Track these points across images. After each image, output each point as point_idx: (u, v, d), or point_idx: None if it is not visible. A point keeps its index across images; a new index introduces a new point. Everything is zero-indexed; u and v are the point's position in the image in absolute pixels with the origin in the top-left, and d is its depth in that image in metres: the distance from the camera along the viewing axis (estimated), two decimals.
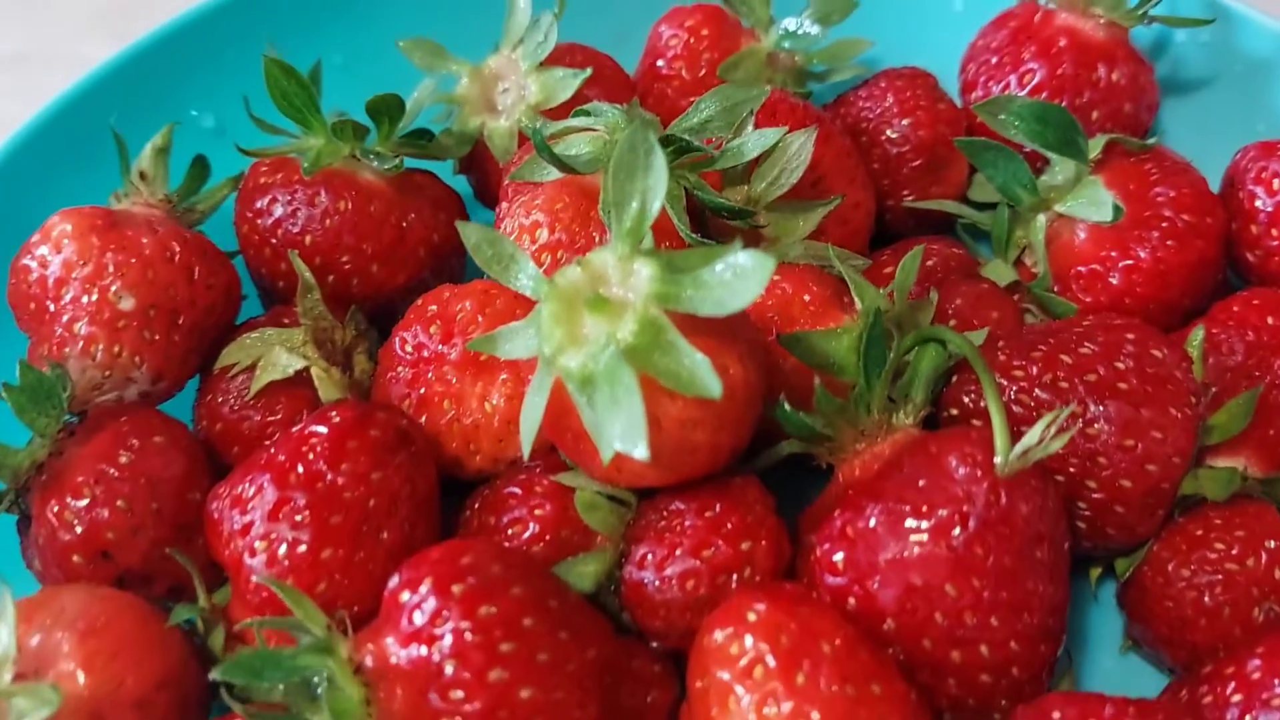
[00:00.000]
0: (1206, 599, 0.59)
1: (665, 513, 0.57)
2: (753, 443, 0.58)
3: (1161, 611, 0.61)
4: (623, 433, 0.50)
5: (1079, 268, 0.69)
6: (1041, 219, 0.70)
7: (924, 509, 0.53)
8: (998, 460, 0.53)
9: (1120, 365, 0.59)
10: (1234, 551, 0.60)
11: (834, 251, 0.64)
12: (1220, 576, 0.59)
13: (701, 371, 0.50)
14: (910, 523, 0.53)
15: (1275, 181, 0.68)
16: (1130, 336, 0.61)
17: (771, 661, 0.49)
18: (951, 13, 0.84)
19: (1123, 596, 0.63)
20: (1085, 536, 0.61)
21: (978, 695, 0.54)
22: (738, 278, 0.50)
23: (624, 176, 0.53)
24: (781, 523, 0.58)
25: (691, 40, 0.78)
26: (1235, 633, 0.58)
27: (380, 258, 0.69)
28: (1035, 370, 0.60)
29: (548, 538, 0.58)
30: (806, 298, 0.63)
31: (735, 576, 0.56)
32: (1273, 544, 0.59)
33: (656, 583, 0.56)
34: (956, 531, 0.52)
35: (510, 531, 0.58)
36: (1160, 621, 0.61)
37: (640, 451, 0.49)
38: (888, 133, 0.76)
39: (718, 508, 0.57)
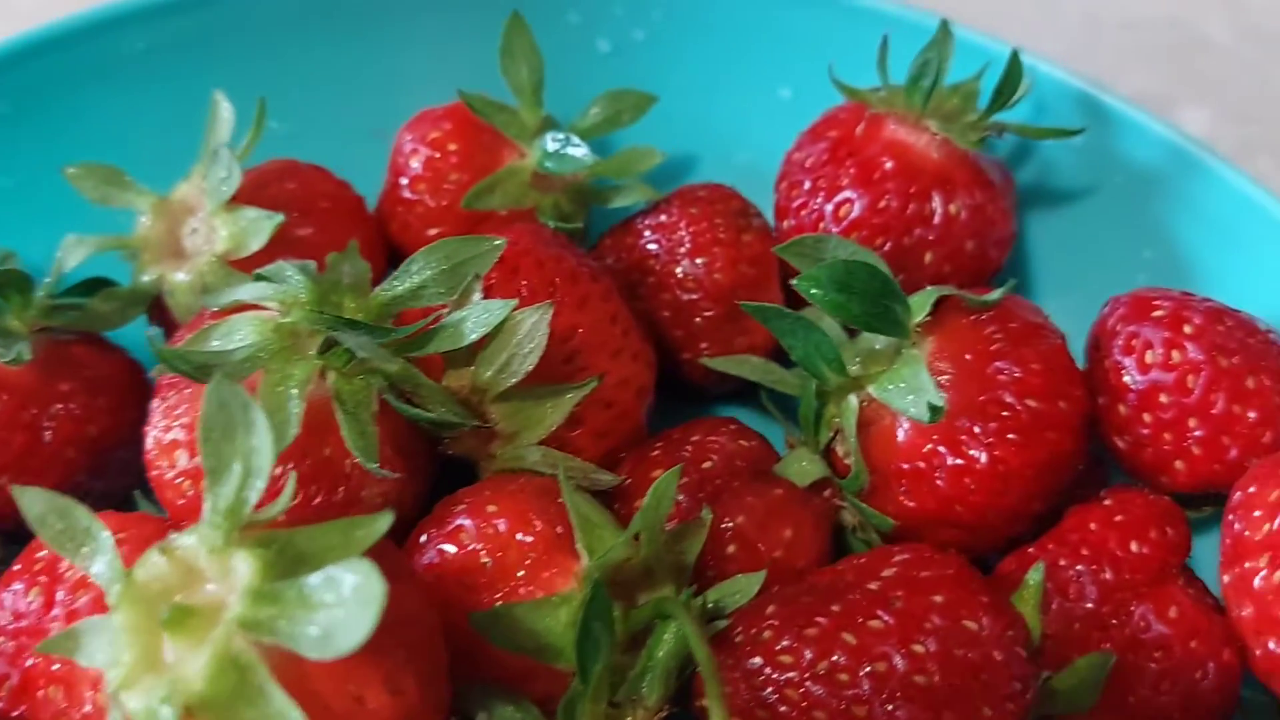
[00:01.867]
0: None
1: None
2: None
3: None
4: None
5: (902, 464, 0.54)
6: (853, 400, 0.55)
7: None
8: None
9: (920, 648, 0.45)
10: None
11: (564, 472, 0.48)
12: None
13: None
14: None
15: (1149, 353, 0.54)
16: (938, 599, 0.46)
17: None
18: (778, 101, 0.69)
19: None
20: None
21: None
22: (341, 604, 0.36)
23: (217, 438, 0.39)
24: None
25: (437, 156, 0.62)
26: None
27: (10, 467, 0.54)
28: (809, 655, 0.45)
29: None
30: (527, 538, 0.48)
31: None
32: None
33: None
34: None
35: None
36: None
37: None
38: (678, 273, 0.60)
39: None
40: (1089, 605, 0.50)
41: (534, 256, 0.55)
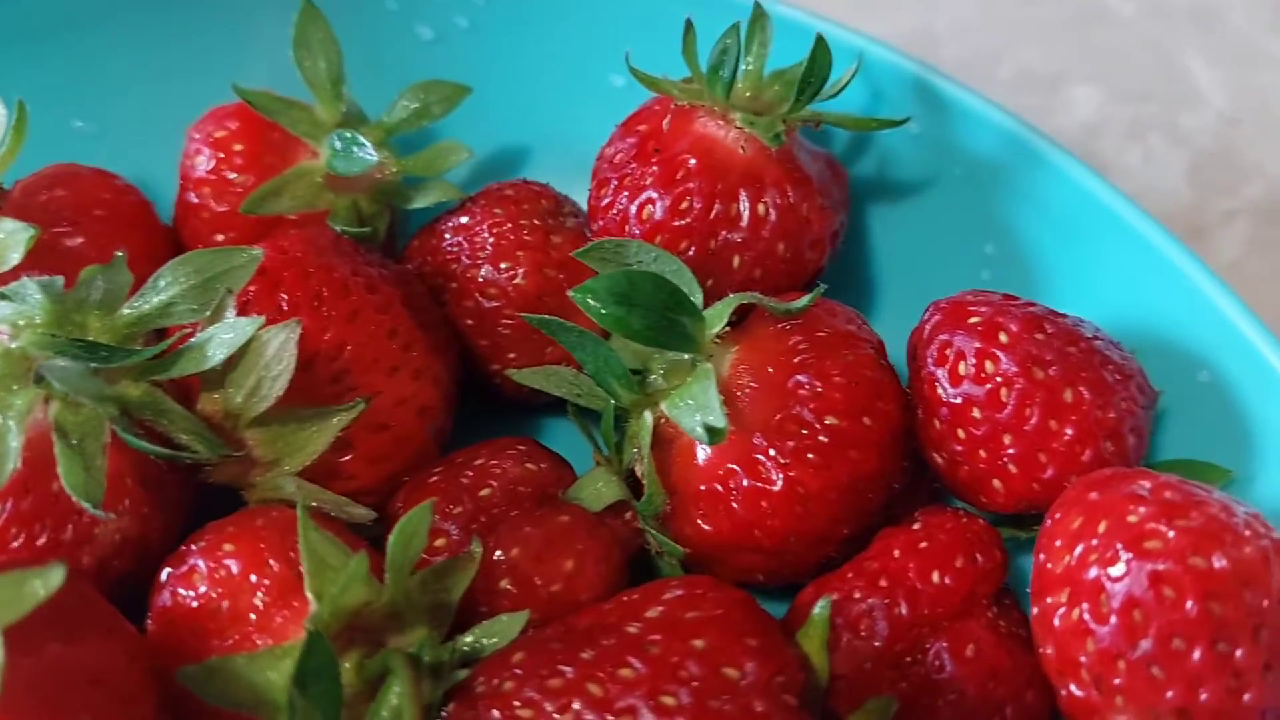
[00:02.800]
0: None
1: None
2: None
3: None
4: None
5: (700, 485, 0.50)
6: (648, 417, 0.51)
7: None
8: None
9: (670, 700, 0.41)
10: None
11: (304, 505, 0.44)
12: None
13: None
14: None
15: (962, 364, 0.49)
16: (698, 644, 0.42)
17: None
18: (611, 89, 0.64)
19: None
20: None
21: None
22: None
23: None
24: None
25: (222, 157, 0.58)
26: None
27: None
28: (549, 709, 0.41)
29: None
30: (263, 580, 0.45)
31: None
32: None
33: None
34: None
35: None
36: None
37: None
38: (480, 278, 0.56)
39: None
40: (879, 643, 0.46)
41: (300, 268, 0.51)
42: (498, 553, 0.49)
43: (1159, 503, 0.42)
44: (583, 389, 0.55)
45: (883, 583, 0.47)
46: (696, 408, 0.48)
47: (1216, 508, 0.42)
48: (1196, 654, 0.40)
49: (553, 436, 0.58)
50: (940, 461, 0.51)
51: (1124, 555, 0.41)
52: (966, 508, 0.52)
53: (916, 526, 0.49)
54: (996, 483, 0.50)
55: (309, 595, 0.43)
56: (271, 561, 0.45)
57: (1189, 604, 0.40)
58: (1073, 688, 0.43)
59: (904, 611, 0.46)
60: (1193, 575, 0.40)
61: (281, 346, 0.47)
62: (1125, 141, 0.79)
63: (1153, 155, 0.79)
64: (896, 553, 0.48)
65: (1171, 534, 0.41)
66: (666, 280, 0.48)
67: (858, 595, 0.47)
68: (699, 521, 0.50)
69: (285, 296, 0.50)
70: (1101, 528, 0.42)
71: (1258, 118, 0.81)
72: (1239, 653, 0.40)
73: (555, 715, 0.41)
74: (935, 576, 0.47)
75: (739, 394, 0.50)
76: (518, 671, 0.42)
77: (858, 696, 0.46)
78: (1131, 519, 0.42)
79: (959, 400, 0.49)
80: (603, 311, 0.47)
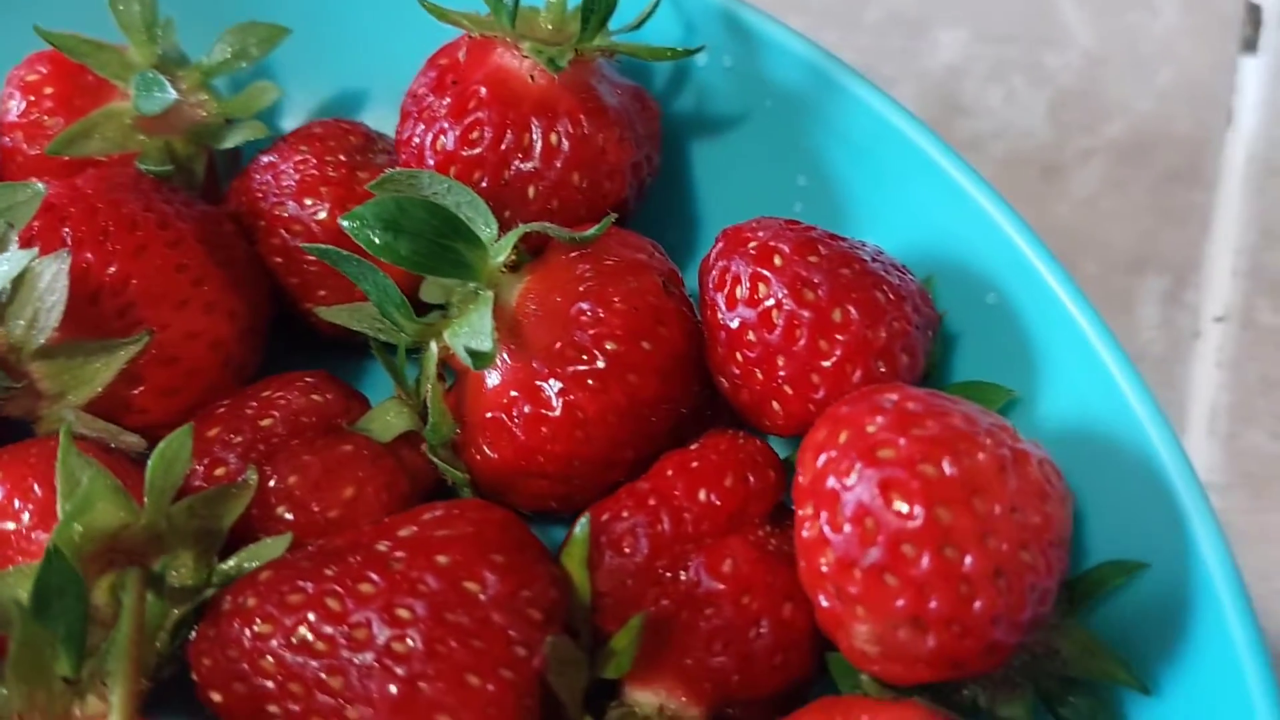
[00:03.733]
0: None
1: None
2: None
3: None
4: None
5: (486, 413, 0.50)
6: (434, 346, 0.51)
7: None
8: None
9: (404, 613, 0.41)
10: None
11: (68, 431, 0.45)
12: None
13: None
14: None
15: (738, 289, 0.49)
16: (441, 560, 0.43)
17: None
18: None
19: None
20: None
21: None
22: None
23: None
24: None
25: (32, 100, 0.58)
26: None
27: None
28: (288, 623, 0.42)
29: None
30: (26, 506, 0.45)
31: None
32: None
33: None
34: None
35: None
36: None
37: None
38: (285, 215, 0.57)
39: None
40: (640, 560, 0.46)
41: (87, 204, 0.51)
42: (274, 480, 0.49)
43: (898, 413, 0.42)
44: (384, 325, 0.55)
45: (651, 501, 0.48)
46: (470, 334, 0.48)
47: (957, 418, 0.42)
48: (925, 561, 0.40)
49: (377, 378, 0.58)
50: (725, 386, 0.51)
51: (857, 465, 0.42)
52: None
53: (693, 448, 0.50)
54: (775, 404, 0.50)
55: (59, 514, 0.43)
56: (36, 487, 0.45)
57: (916, 510, 0.40)
58: (821, 599, 0.43)
59: (666, 528, 0.47)
60: (921, 481, 0.40)
61: (54, 278, 0.48)
62: (988, 82, 0.79)
63: (1015, 95, 0.78)
64: (669, 472, 0.49)
65: (903, 442, 0.41)
66: (441, 208, 0.49)
67: (625, 515, 0.47)
68: (486, 449, 0.51)
69: (69, 231, 0.50)
70: (842, 438, 0.43)
71: (1124, 57, 0.80)
72: (968, 560, 0.40)
73: (293, 629, 0.41)
74: (702, 495, 0.47)
75: (524, 322, 0.50)
76: (262, 589, 0.43)
77: (623, 614, 0.46)
78: (870, 429, 0.42)
79: (735, 324, 0.50)
80: (372, 239, 0.47)
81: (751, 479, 0.48)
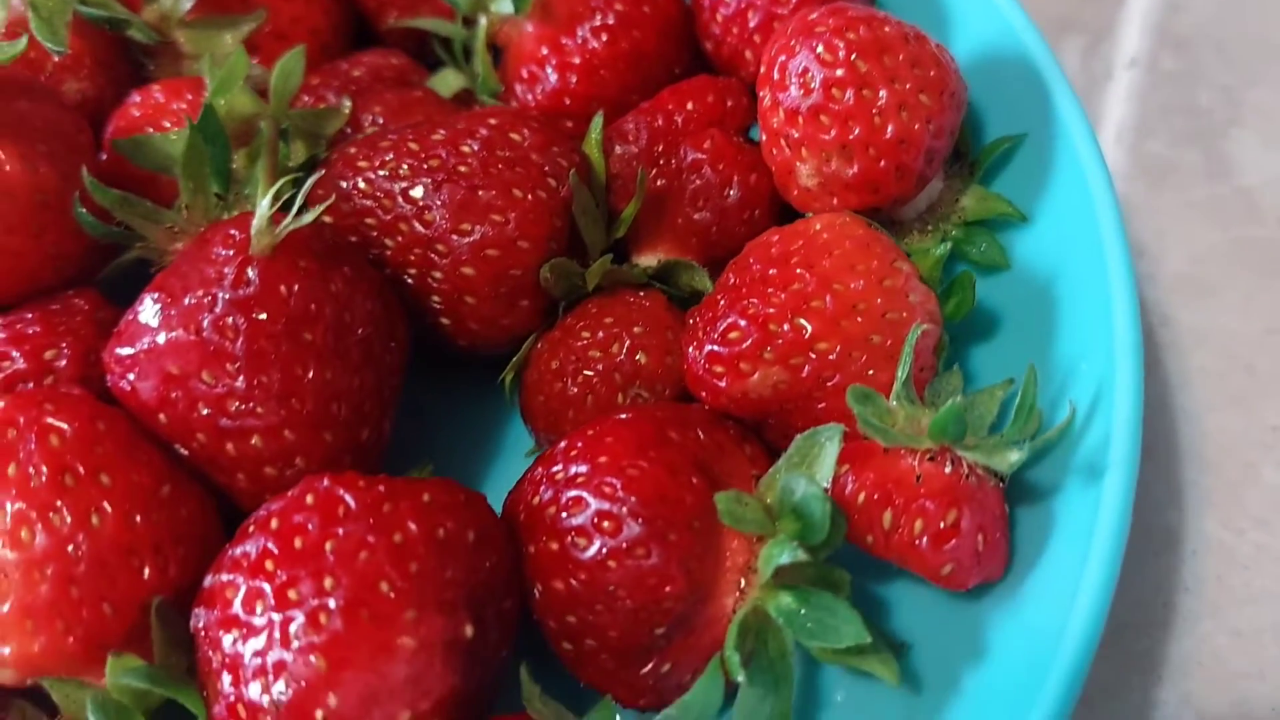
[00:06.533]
0: (571, 388, 0.56)
1: None
2: None
3: (536, 408, 0.58)
4: None
5: (523, 69, 0.65)
6: (483, 21, 0.66)
7: (179, 293, 0.50)
8: (253, 237, 0.50)
9: (466, 148, 0.56)
10: (598, 337, 0.56)
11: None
12: (582, 364, 0.56)
13: None
14: (165, 309, 0.50)
15: None
16: (491, 122, 0.58)
17: None
18: None
19: (517, 398, 0.60)
20: (457, 335, 0.58)
21: (270, 488, 0.51)
22: None
23: None
24: (106, 322, 0.55)
25: None
26: None
27: None
28: (379, 161, 0.57)
29: None
30: (182, 97, 0.60)
31: (31, 384, 0.53)
32: (638, 329, 0.56)
33: None
34: (205, 315, 0.49)
35: None
36: (537, 418, 0.58)
37: None
38: None
39: (29, 316, 0.54)
40: (641, 146, 0.61)
41: None
42: (363, 111, 0.64)
43: (836, 10, 0.57)
44: (442, 24, 0.70)
45: (649, 110, 0.62)
46: None
47: (880, 14, 0.57)
48: (848, 97, 0.55)
49: None
50: (709, 48, 0.66)
51: (799, 40, 0.56)
52: None
53: (683, 83, 0.64)
54: (748, 54, 0.64)
55: (206, 92, 0.59)
56: (188, 93, 0.61)
57: (840, 61, 0.55)
58: (774, 153, 0.58)
59: (661, 123, 0.61)
60: (845, 43, 0.55)
61: None
62: None
63: None
64: (666, 95, 0.63)
65: (833, 21, 0.56)
66: None
67: (630, 120, 0.62)
68: (522, 97, 0.66)
69: None
70: (790, 31, 0.57)
71: None
72: (881, 94, 0.55)
73: (383, 163, 0.56)
74: (689, 105, 0.62)
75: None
76: (360, 142, 0.58)
77: (629, 193, 0.60)
78: (812, 17, 0.57)
79: None
80: None
81: (729, 101, 0.63)
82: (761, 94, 0.58)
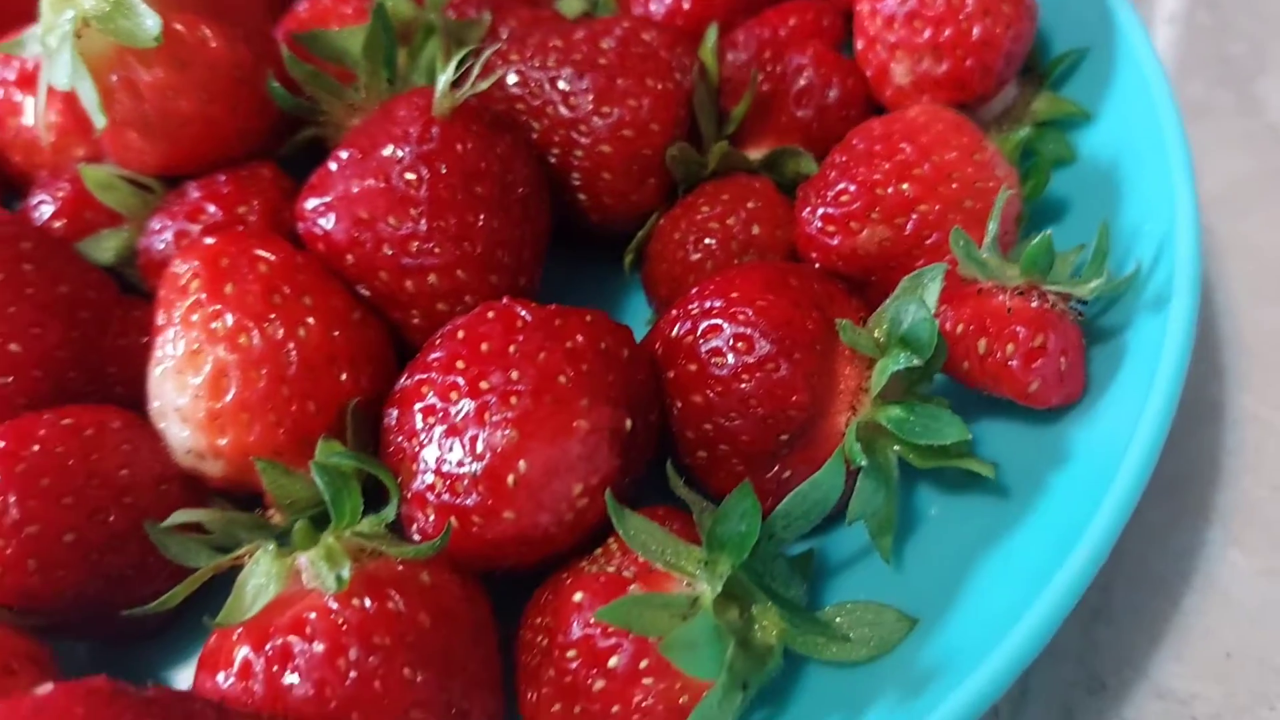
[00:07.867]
0: (693, 255, 0.64)
1: (180, 193, 0.63)
2: None
3: (659, 274, 0.65)
4: (87, 101, 0.56)
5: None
6: None
7: (369, 149, 0.58)
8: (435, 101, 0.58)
9: (604, 44, 0.64)
10: (716, 211, 0.64)
11: None
12: (703, 234, 0.64)
13: (145, 23, 0.55)
14: (357, 162, 0.58)
15: None
16: (625, 25, 0.66)
17: (204, 277, 0.55)
18: None
19: (640, 271, 0.68)
20: (591, 210, 0.66)
21: (441, 325, 0.58)
22: None
23: None
24: (286, 189, 0.63)
25: None
26: None
27: None
28: (528, 54, 0.65)
29: (67, 217, 0.63)
30: (336, 7, 0.69)
31: None
32: (752, 204, 0.64)
33: (159, 245, 0.61)
34: (393, 167, 0.57)
35: (35, 213, 0.64)
36: (660, 284, 0.65)
37: (98, 119, 0.55)
38: None
39: (221, 179, 0.62)
40: (748, 56, 0.69)
41: None
42: (501, 28, 0.72)
43: None
44: None
45: (757, 26, 0.70)
46: None
47: None
48: (940, 3, 0.63)
49: None
50: None
51: None
52: None
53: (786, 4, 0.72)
54: None
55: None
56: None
57: None
58: (870, 55, 0.66)
59: (766, 34, 0.69)
60: None
61: None
62: None
63: None
64: (770, 14, 0.71)
65: None
66: None
67: (740, 35, 0.70)
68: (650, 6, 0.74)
69: None
70: None
71: None
72: (968, 2, 0.63)
73: (532, 50, 0.64)
74: (791, 20, 0.70)
75: None
76: (511, 39, 0.66)
77: (739, 93, 0.69)
78: None
79: None
80: None
81: (825, 20, 0.71)
82: (859, 6, 0.67)
